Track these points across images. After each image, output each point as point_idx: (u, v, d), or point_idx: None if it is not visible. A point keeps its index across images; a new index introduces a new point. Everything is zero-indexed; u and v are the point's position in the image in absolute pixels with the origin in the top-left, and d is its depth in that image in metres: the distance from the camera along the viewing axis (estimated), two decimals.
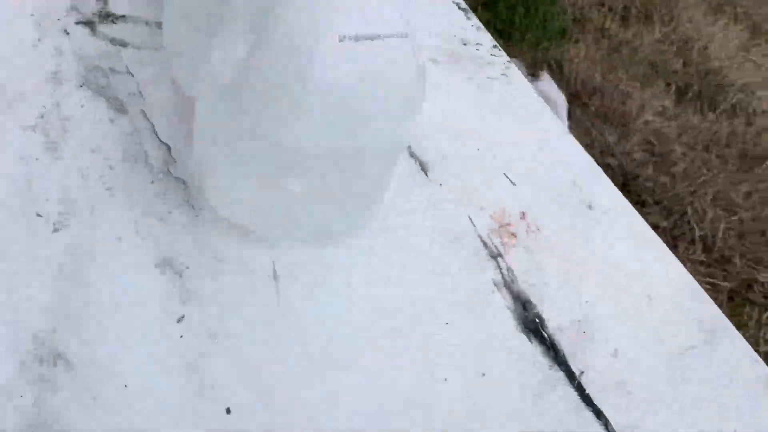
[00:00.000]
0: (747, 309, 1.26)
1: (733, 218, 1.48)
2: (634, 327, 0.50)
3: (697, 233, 1.41)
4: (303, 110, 0.37)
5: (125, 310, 0.39)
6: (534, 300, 0.49)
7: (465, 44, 0.71)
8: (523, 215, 0.55)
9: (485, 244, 0.52)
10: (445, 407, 0.42)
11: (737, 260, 1.37)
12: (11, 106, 0.47)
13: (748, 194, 1.56)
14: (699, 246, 1.41)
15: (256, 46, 0.37)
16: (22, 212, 0.42)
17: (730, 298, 1.30)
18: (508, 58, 0.71)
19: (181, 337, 0.40)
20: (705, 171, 1.56)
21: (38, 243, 0.41)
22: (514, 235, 0.53)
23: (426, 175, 0.55)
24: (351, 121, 0.38)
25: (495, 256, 0.51)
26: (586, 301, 0.50)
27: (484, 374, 0.44)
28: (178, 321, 0.40)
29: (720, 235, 1.43)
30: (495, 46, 0.72)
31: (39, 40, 0.52)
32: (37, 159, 0.44)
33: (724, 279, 1.26)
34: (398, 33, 0.37)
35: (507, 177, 0.58)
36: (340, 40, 0.35)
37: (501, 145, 0.61)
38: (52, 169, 0.44)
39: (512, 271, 0.51)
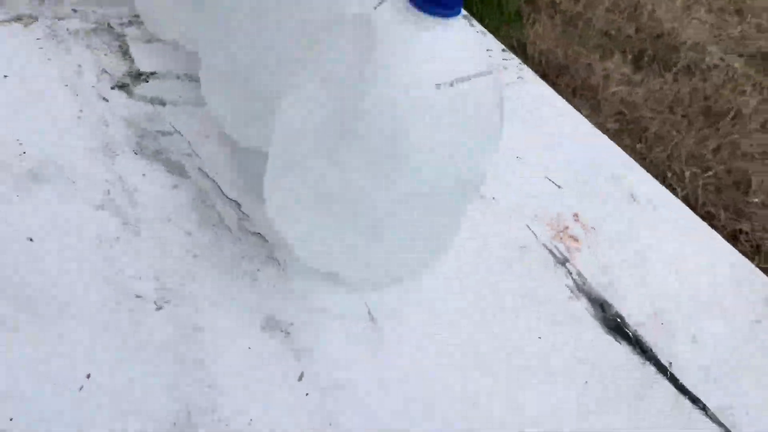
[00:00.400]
0: None
1: (709, 174, 1.54)
2: (704, 311, 0.53)
3: (680, 194, 1.46)
4: (402, 163, 0.37)
5: (249, 376, 0.40)
6: (610, 300, 0.51)
7: None
8: (576, 217, 0.57)
9: (551, 252, 0.53)
10: (557, 420, 0.43)
11: (721, 214, 1.44)
12: (75, 185, 0.46)
13: (717, 149, 1.62)
14: None
15: (349, 99, 0.37)
16: (120, 296, 0.41)
17: None
18: (519, 61, 0.73)
19: (307, 395, 0.40)
20: (675, 132, 1.62)
21: (147, 325, 0.40)
22: (575, 238, 0.55)
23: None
24: (445, 164, 0.39)
25: (563, 262, 0.53)
26: (657, 294, 0.53)
27: (586, 382, 0.46)
28: (299, 379, 0.40)
29: (700, 192, 1.49)
30: (504, 50, 0.74)
31: (81, 110, 0.51)
32: (117, 238, 0.44)
33: None
34: (484, 71, 0.38)
35: (551, 180, 0.60)
36: (438, 88, 0.36)
37: (535, 149, 0.62)
38: (134, 246, 0.44)
39: (582, 274, 0.53)
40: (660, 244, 0.57)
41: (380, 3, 0.38)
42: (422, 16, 0.36)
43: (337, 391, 0.40)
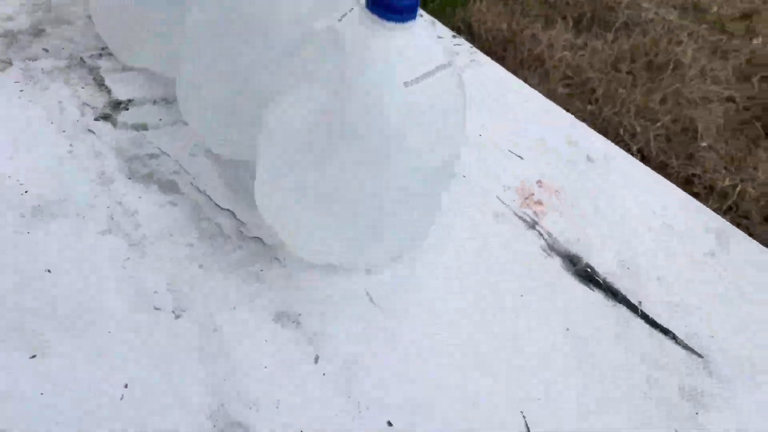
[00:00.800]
0: None
1: (658, 125, 1.62)
2: (664, 252, 0.58)
3: (635, 149, 1.54)
4: (386, 158, 0.42)
5: (270, 365, 0.44)
6: (579, 254, 0.57)
7: None
8: (539, 183, 0.62)
9: (521, 218, 0.59)
10: (545, 363, 0.49)
11: (674, 162, 1.51)
12: (79, 215, 0.49)
13: (663, 100, 1.70)
14: (638, 158, 1.54)
15: (328, 106, 0.41)
16: (140, 311, 0.45)
17: None
18: (469, 45, 0.77)
19: (324, 374, 0.44)
20: (622, 89, 1.69)
21: (170, 332, 0.44)
22: (540, 203, 0.60)
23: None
24: (425, 152, 0.43)
25: (533, 225, 0.58)
26: (621, 243, 0.58)
27: (568, 329, 0.51)
28: (315, 362, 0.45)
29: (653, 144, 1.56)
30: (454, 36, 0.78)
31: (71, 145, 0.54)
32: (128, 258, 0.47)
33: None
34: (444, 63, 0.43)
35: (513, 153, 0.65)
36: (406, 86, 0.40)
37: (495, 126, 0.67)
38: (144, 264, 0.47)
39: (551, 234, 0.58)
40: (618, 198, 0.62)
41: (344, 15, 0.42)
42: (382, 23, 0.40)
43: (350, 367, 0.45)
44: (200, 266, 0.48)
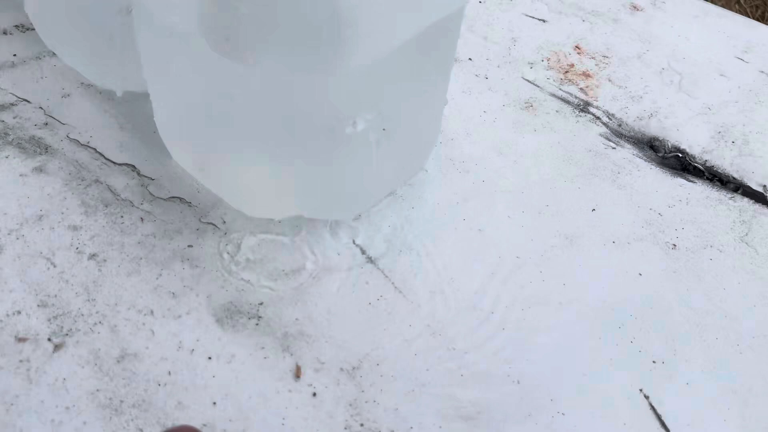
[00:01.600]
0: None
1: None
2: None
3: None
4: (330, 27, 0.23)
5: (234, 393, 0.26)
6: (658, 134, 0.39)
7: None
8: (578, 48, 0.44)
9: (563, 100, 0.40)
10: (654, 308, 0.31)
11: None
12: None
13: None
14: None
15: None
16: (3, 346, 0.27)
17: None
18: None
19: (314, 394, 0.27)
20: None
21: (48, 377, 0.26)
22: (586, 74, 0.42)
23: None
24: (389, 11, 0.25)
25: (584, 107, 0.40)
26: (709, 105, 0.40)
27: (674, 245, 0.33)
28: (297, 376, 0.27)
29: None
30: None
31: None
32: None
33: None
34: None
35: (531, 17, 0.46)
36: None
37: None
38: (3, 270, 0.29)
39: (612, 114, 0.40)
40: (687, 49, 0.44)
41: None
42: None
43: (354, 377, 0.27)
44: (96, 262, 0.30)
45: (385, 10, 0.23)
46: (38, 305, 0.28)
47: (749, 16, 0.69)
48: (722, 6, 0.48)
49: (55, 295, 0.29)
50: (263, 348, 0.28)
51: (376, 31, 0.23)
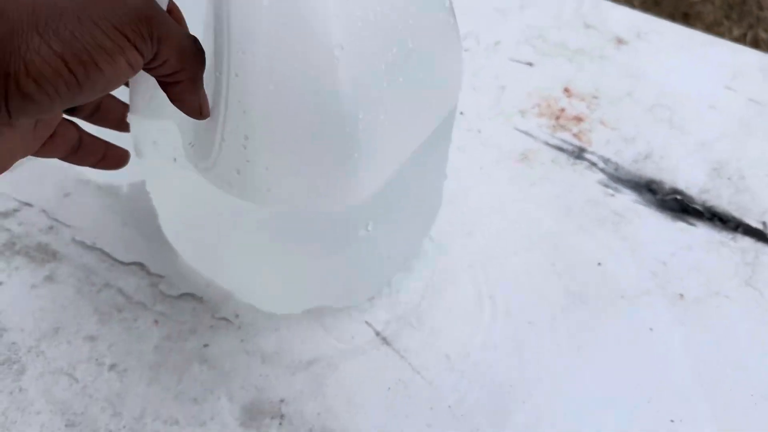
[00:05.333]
0: None
1: None
2: (766, 134, 0.41)
3: None
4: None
5: None
6: (655, 176, 0.39)
7: None
8: (567, 91, 0.44)
9: (558, 148, 0.41)
10: (662, 362, 0.32)
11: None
12: None
13: None
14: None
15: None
16: None
17: None
18: None
19: None
20: None
21: None
22: (578, 118, 0.42)
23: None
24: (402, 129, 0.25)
25: (578, 154, 0.40)
26: (704, 143, 0.41)
27: (681, 295, 0.34)
28: None
29: None
30: None
31: None
32: (10, 393, 0.30)
33: None
34: None
35: (517, 61, 0.46)
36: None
37: (483, 22, 0.48)
38: (25, 396, 0.30)
39: (607, 158, 0.40)
40: (676, 81, 0.44)
41: None
42: None
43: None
44: (117, 372, 0.30)
45: (392, 135, 0.23)
46: (66, 425, 0.29)
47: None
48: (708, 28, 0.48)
49: (82, 413, 0.29)
50: None
51: (388, 157, 0.24)
